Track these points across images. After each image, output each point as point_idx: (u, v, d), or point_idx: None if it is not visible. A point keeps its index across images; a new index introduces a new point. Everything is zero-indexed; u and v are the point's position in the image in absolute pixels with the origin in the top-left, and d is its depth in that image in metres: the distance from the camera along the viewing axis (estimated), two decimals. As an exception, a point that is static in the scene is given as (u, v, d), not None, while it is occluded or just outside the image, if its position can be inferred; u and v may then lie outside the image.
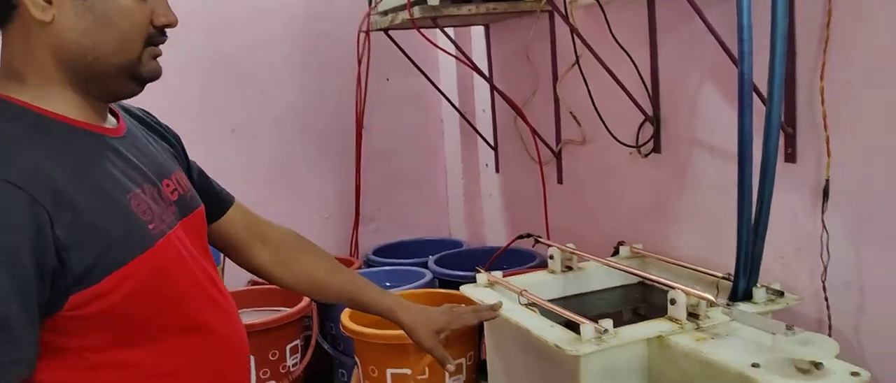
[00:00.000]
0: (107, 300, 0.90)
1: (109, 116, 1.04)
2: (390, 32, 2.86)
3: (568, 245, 2.10)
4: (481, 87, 3.19)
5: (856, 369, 1.30)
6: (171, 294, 0.99)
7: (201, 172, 1.28)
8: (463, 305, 1.53)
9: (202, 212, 1.16)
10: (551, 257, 2.09)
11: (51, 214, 0.85)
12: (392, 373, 2.18)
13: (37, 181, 0.85)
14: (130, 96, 1.02)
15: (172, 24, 1.00)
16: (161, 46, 1.01)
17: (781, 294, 1.69)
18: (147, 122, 1.17)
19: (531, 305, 1.81)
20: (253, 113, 3.08)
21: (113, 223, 0.91)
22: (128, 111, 1.13)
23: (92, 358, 0.93)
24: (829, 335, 1.67)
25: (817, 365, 1.30)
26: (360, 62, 3.04)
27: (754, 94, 1.62)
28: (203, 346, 1.05)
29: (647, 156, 2.22)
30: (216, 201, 1.28)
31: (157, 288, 0.96)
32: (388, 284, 2.78)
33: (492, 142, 3.17)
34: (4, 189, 0.83)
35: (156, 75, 1.00)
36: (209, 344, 1.06)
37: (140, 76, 0.99)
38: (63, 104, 0.95)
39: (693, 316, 1.60)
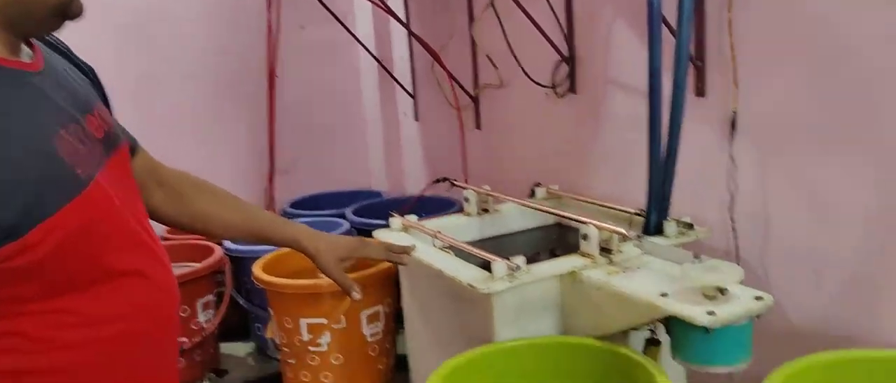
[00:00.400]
0: (35, 252, 0.85)
1: (25, 47, 0.95)
2: (300, -25, 2.74)
3: (483, 187, 2.07)
4: (399, 34, 3.10)
5: (759, 293, 1.32)
6: (102, 241, 0.94)
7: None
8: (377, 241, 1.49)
9: (126, 147, 1.09)
10: (466, 200, 2.06)
11: None
12: (307, 323, 2.12)
13: None
14: (53, 31, 0.98)
15: None
16: None
17: (691, 226, 1.71)
18: (63, 52, 1.09)
19: (447, 248, 1.77)
20: (161, 63, 2.92)
21: (37, 172, 0.85)
22: (45, 41, 1.04)
23: (23, 306, 0.89)
24: (737, 264, 1.69)
25: (723, 291, 1.31)
26: (269, 8, 2.90)
27: (664, 26, 1.61)
28: (138, 291, 1.00)
29: (563, 96, 2.20)
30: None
31: (89, 236, 0.91)
32: (304, 236, 2.70)
33: (410, 90, 3.11)
34: None
35: (81, 11, 0.95)
36: (144, 289, 1.01)
37: (69, 13, 0.94)
38: None
39: (606, 250, 1.59)
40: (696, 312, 1.27)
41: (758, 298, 1.31)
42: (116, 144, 1.05)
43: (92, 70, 1.14)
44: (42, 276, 0.88)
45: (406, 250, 1.47)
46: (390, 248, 1.43)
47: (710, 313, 1.26)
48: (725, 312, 1.26)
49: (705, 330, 1.27)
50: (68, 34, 1.02)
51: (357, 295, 1.33)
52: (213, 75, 3.03)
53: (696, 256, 1.39)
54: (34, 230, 0.84)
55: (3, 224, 0.81)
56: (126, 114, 1.42)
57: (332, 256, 1.31)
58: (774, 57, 1.57)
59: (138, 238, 1.01)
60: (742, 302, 1.30)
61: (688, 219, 1.71)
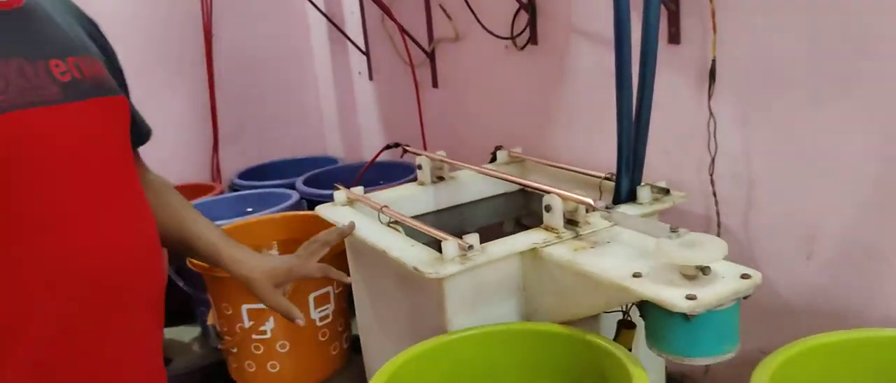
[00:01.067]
0: None
1: None
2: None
3: (438, 152, 1.87)
4: (347, -15, 2.86)
5: (746, 271, 1.14)
6: (17, 176, 0.88)
7: (131, 101, 1.15)
8: (320, 233, 1.29)
9: (113, 103, 1.03)
10: (419, 167, 1.86)
11: None
12: (248, 309, 1.93)
13: None
14: None
15: None
16: None
17: (667, 191, 1.52)
18: (71, 9, 1.09)
19: (394, 224, 1.58)
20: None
21: None
22: None
23: None
24: (718, 233, 1.52)
25: (704, 270, 1.13)
26: (202, -42, 2.64)
27: (633, -37, 1.40)
28: (52, 252, 0.91)
29: (523, 48, 1.99)
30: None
31: (2, 163, 0.86)
32: (249, 210, 2.49)
33: (363, 47, 2.87)
34: None
35: None
36: (59, 250, 0.92)
37: None
38: None
39: (572, 223, 1.41)
40: (673, 296, 1.09)
41: (744, 276, 1.13)
42: (92, 94, 0.99)
43: (96, 27, 1.13)
44: None
45: (342, 232, 1.31)
46: (328, 240, 1.25)
47: (690, 297, 1.08)
48: (708, 295, 1.08)
49: (685, 316, 1.09)
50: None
51: (301, 321, 1.20)
52: (144, 38, 2.76)
53: (674, 229, 1.20)
54: None
55: None
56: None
57: (267, 283, 1.19)
58: (758, -4, 1.37)
59: (84, 187, 0.94)
60: (727, 283, 1.12)
61: (663, 184, 1.52)
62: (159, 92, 2.82)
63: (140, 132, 1.19)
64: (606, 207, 1.37)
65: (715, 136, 1.48)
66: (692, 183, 1.56)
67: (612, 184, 1.58)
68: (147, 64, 2.77)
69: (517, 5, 1.95)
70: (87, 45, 1.06)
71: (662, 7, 1.47)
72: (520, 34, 1.97)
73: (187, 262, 2.03)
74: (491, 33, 2.04)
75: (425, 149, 2.50)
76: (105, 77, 1.04)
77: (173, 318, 2.45)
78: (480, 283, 1.37)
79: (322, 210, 1.73)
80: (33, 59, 0.93)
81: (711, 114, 1.48)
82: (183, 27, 2.80)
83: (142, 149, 1.19)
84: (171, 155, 2.76)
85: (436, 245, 1.39)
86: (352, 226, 1.39)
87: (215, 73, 2.84)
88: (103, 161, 0.99)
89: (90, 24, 1.13)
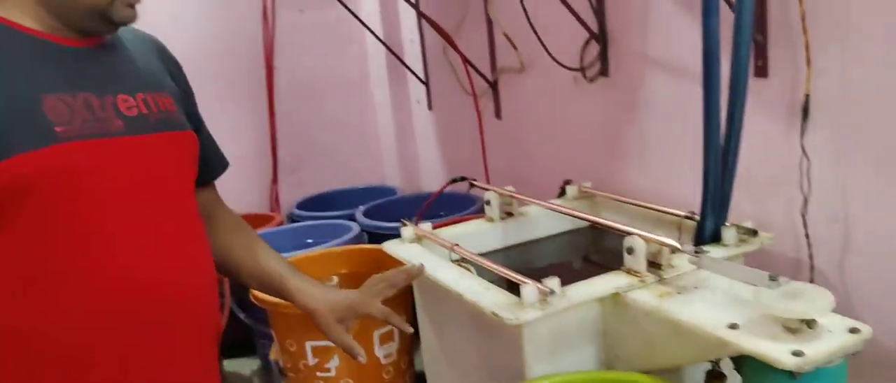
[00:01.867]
0: None
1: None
2: (297, -46, 2.48)
3: (507, 188, 1.82)
4: (408, 14, 2.84)
5: (855, 324, 1.05)
6: (88, 201, 0.92)
7: (208, 134, 1.23)
8: (387, 273, 1.25)
9: (178, 137, 1.07)
10: (488, 203, 1.81)
11: None
12: (313, 346, 1.89)
13: None
14: (106, 34, 1.02)
15: None
16: None
17: (754, 232, 1.44)
18: (154, 49, 1.14)
19: (465, 263, 1.52)
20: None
21: (5, 116, 0.87)
22: (136, 34, 1.11)
23: None
24: (811, 277, 1.43)
25: (809, 323, 1.05)
26: (264, -10, 2.65)
27: (719, -5, 1.34)
28: (107, 284, 0.93)
29: (593, 80, 1.93)
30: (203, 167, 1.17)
31: (57, 192, 0.90)
32: (310, 241, 2.47)
33: (422, 76, 2.85)
34: None
35: (129, 20, 1.00)
36: (117, 285, 0.94)
37: (111, 19, 0.98)
38: (28, 18, 0.95)
39: (654, 265, 1.34)
40: (779, 352, 1.01)
41: (853, 331, 1.05)
42: (159, 129, 1.02)
43: (178, 67, 1.18)
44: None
45: (411, 274, 1.26)
46: (395, 283, 1.22)
47: (797, 353, 1.00)
48: (816, 352, 1.00)
49: (790, 374, 1.01)
50: None
51: (362, 359, 1.20)
52: (205, 66, 2.78)
53: (773, 278, 1.12)
54: None
55: None
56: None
57: (330, 317, 1.20)
58: (856, 28, 1.29)
59: (136, 222, 0.96)
60: (835, 338, 1.04)
61: (749, 224, 1.44)
62: (220, 122, 2.79)
63: (214, 166, 1.22)
64: (694, 251, 1.30)
65: (808, 175, 1.40)
66: (781, 223, 1.47)
67: (693, 223, 1.51)
68: (209, 94, 2.78)
69: (587, 35, 1.90)
70: (161, 82, 1.09)
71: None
72: (590, 66, 1.92)
73: (250, 296, 2.01)
74: (559, 63, 1.99)
75: (488, 181, 2.45)
76: (174, 113, 1.07)
77: (234, 350, 2.45)
78: (560, 328, 1.30)
79: (389, 246, 1.70)
80: (101, 94, 0.97)
81: (804, 151, 1.39)
82: (244, 59, 2.83)
83: None
84: (230, 184, 2.75)
85: (507, 283, 1.34)
86: (420, 269, 1.34)
87: (275, 103, 2.85)
88: (163, 195, 1.01)
89: (172, 63, 1.17)
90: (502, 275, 1.39)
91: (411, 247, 1.68)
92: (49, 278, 0.90)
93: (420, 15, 2.59)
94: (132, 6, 1.00)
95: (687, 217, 1.54)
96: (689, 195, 1.51)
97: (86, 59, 1.00)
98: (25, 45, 0.95)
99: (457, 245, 1.55)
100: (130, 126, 0.99)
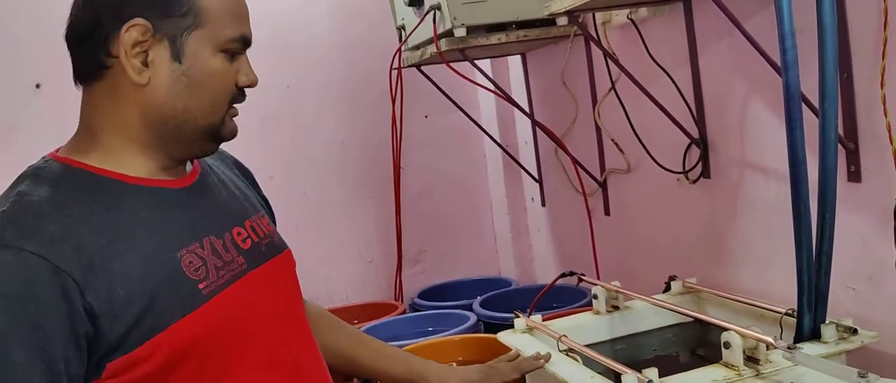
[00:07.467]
0: (145, 366, 0.86)
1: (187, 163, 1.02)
2: (423, 68, 2.77)
3: (613, 283, 1.94)
4: (522, 118, 3.06)
5: (946, 422, 1.10)
6: (233, 348, 0.94)
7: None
8: (506, 356, 1.41)
9: (288, 255, 1.10)
10: (595, 297, 1.93)
11: (78, 282, 0.82)
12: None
13: (63, 249, 0.82)
14: (208, 155, 1.03)
15: (254, 84, 0.99)
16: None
17: (855, 331, 1.49)
18: (231, 164, 1.17)
19: (571, 353, 1.65)
20: (288, 155, 3.03)
21: (154, 286, 0.88)
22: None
23: None
24: (915, 377, 1.45)
25: (899, 421, 1.11)
26: (393, 100, 2.96)
27: (806, 106, 1.46)
28: None
29: (695, 182, 2.05)
30: None
31: (210, 352, 0.91)
32: (430, 329, 2.66)
33: (536, 176, 3.04)
34: (25, 259, 0.80)
35: (233, 134, 1.00)
36: None
37: (220, 136, 0.98)
38: (134, 164, 0.94)
39: (752, 360, 1.42)
40: (864, 446, 1.08)
41: (944, 428, 1.09)
42: (272, 253, 1.05)
43: (252, 175, 1.20)
44: None
45: (536, 359, 1.42)
46: (520, 364, 1.35)
47: (882, 448, 1.06)
48: (902, 447, 1.06)
49: (876, 468, 1.07)
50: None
51: None
52: (338, 166, 3.11)
53: (862, 375, 1.19)
54: (145, 344, 0.85)
55: (112, 336, 0.82)
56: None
57: None
58: (942, 136, 1.37)
59: (275, 354, 0.98)
60: (923, 435, 1.09)
61: (850, 322, 1.49)
62: (356, 216, 3.15)
63: None
64: (788, 347, 1.38)
65: (904, 275, 1.45)
66: (883, 322, 1.51)
67: (793, 320, 1.57)
68: (346, 192, 3.12)
69: (688, 140, 2.03)
70: (253, 202, 1.12)
71: (840, 146, 1.49)
72: (692, 168, 2.04)
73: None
74: (661, 166, 2.13)
75: (597, 275, 2.57)
76: (273, 232, 1.10)
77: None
78: (659, 418, 1.40)
79: (503, 337, 1.84)
80: (220, 233, 0.98)
81: (899, 252, 1.45)
82: (376, 161, 3.13)
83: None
84: (362, 274, 3.05)
85: (614, 375, 1.45)
86: (547, 357, 1.47)
87: (401, 200, 3.11)
88: (292, 323, 1.05)
89: (248, 174, 1.21)
90: (606, 365, 1.51)
91: (523, 338, 1.82)
92: None
93: (534, 122, 2.80)
94: (234, 117, 1.01)
95: (787, 313, 1.61)
96: (789, 293, 1.58)
97: (196, 197, 1.00)
98: (142, 199, 0.92)
99: (564, 335, 1.69)
100: (250, 259, 1.00)
